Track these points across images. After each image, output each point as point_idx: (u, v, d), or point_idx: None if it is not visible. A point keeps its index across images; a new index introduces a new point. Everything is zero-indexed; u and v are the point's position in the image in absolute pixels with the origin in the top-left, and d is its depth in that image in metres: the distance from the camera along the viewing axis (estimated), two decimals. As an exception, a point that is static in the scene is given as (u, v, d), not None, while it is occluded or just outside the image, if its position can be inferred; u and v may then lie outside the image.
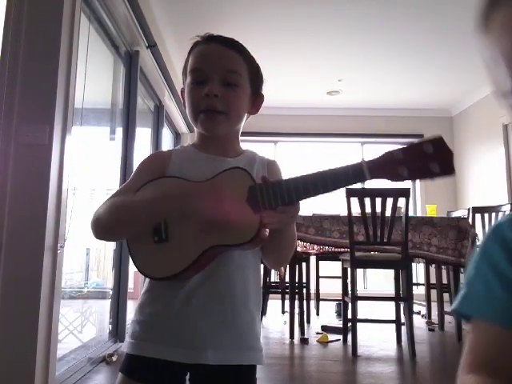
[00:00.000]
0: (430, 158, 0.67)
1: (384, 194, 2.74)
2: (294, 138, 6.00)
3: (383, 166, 0.69)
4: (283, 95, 5.50)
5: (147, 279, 0.84)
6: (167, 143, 5.10)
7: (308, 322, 3.68)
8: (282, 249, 0.86)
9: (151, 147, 4.15)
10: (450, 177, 0.68)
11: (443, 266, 3.60)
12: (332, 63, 4.58)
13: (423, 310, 4.15)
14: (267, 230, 0.77)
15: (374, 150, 6.10)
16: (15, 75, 1.78)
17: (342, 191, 2.82)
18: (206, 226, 0.76)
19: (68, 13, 1.93)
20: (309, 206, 5.01)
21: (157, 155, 0.96)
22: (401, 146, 0.69)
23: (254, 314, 0.86)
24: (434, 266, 3.79)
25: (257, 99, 0.95)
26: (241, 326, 0.82)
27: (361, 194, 2.80)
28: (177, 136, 5.48)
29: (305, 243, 3.30)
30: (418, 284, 5.12)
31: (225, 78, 0.86)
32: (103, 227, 0.82)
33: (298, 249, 3.30)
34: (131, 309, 3.71)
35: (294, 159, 6.06)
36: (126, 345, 0.82)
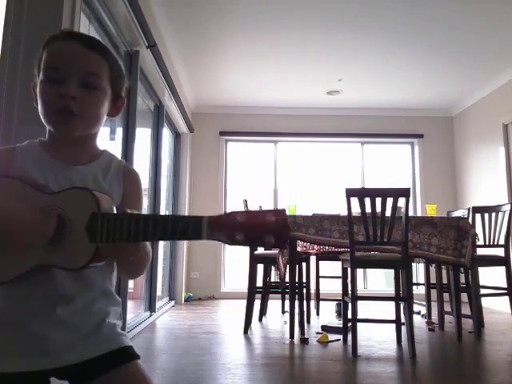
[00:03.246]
0: (268, 228, 0.67)
1: (384, 193, 2.74)
2: (294, 137, 6.00)
3: (222, 229, 0.68)
4: (283, 95, 5.50)
5: None
6: (167, 143, 5.10)
7: (308, 321, 3.68)
8: (132, 271, 0.89)
9: (151, 147, 4.15)
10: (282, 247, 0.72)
11: (443, 266, 3.60)
12: (332, 63, 4.58)
13: (423, 310, 4.15)
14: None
15: (374, 150, 6.10)
16: (15, 75, 1.78)
17: (341, 191, 2.82)
18: (41, 242, 0.75)
19: (68, 13, 1.93)
20: (309, 206, 5.02)
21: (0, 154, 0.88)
22: (244, 210, 0.70)
23: (103, 313, 0.87)
24: (433, 265, 3.79)
25: (117, 102, 0.92)
26: (87, 328, 0.84)
27: (361, 194, 2.80)
28: (177, 136, 5.48)
29: (305, 243, 3.30)
30: (418, 284, 5.13)
31: (83, 80, 0.82)
32: None
33: (298, 249, 3.30)
34: (131, 309, 3.72)
35: (293, 159, 6.06)
36: None
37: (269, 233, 0.68)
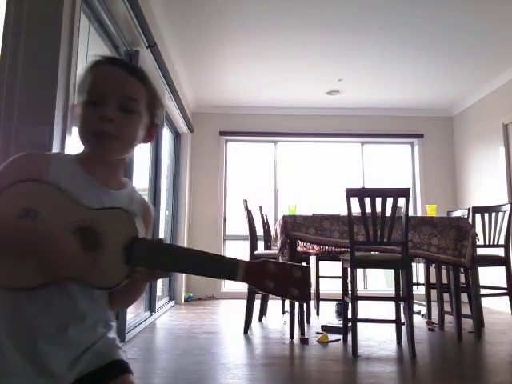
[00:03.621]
0: (294, 282, 0.75)
1: (384, 194, 2.74)
2: (294, 137, 6.00)
3: (256, 275, 0.75)
4: (283, 95, 5.50)
5: None
6: (167, 143, 5.10)
7: (308, 321, 3.68)
8: (129, 302, 0.95)
9: (151, 147, 4.15)
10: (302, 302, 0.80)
11: (443, 266, 3.60)
12: (332, 63, 4.58)
13: (423, 310, 4.15)
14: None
15: (374, 150, 6.10)
16: (15, 75, 1.78)
17: (341, 191, 2.82)
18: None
19: (68, 13, 1.93)
20: (309, 206, 5.01)
21: (35, 159, 0.85)
22: (275, 261, 0.76)
23: (104, 330, 0.88)
24: (433, 265, 3.79)
25: (151, 129, 0.94)
26: (88, 343, 0.84)
27: (361, 194, 2.80)
28: (177, 136, 5.48)
29: (305, 243, 3.29)
30: (418, 284, 5.13)
31: (122, 104, 0.85)
32: None
33: (298, 249, 3.30)
34: (131, 309, 3.71)
35: (294, 159, 6.06)
36: None
37: (295, 286, 0.75)
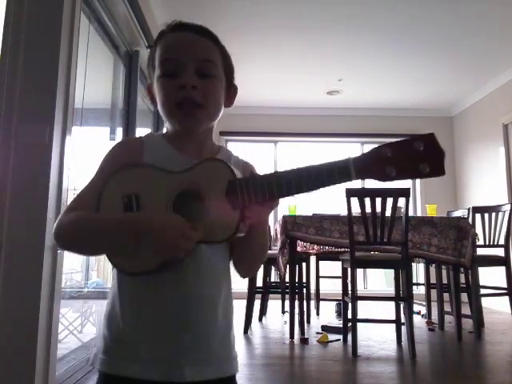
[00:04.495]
0: (420, 157, 0.64)
1: (384, 193, 2.74)
2: (294, 137, 6.00)
3: (371, 166, 0.66)
4: (283, 95, 5.50)
5: (113, 291, 0.79)
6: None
7: (308, 321, 3.68)
8: (253, 257, 0.83)
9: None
10: (439, 176, 0.67)
11: (443, 266, 3.60)
12: (332, 63, 4.58)
13: (423, 310, 4.15)
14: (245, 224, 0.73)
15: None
16: (15, 75, 1.78)
17: (341, 191, 2.82)
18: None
19: (68, 13, 1.93)
20: (309, 206, 5.01)
21: (129, 146, 0.83)
22: (389, 142, 0.65)
23: (229, 323, 0.80)
24: (433, 265, 3.79)
25: (230, 91, 0.87)
26: (214, 338, 0.76)
27: (361, 194, 2.79)
28: (177, 136, 5.47)
29: (305, 243, 3.30)
30: (418, 284, 5.13)
31: (200, 68, 0.78)
32: (68, 248, 0.78)
33: (298, 249, 3.30)
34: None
35: (294, 159, 6.06)
36: (99, 361, 0.75)
37: (423, 160, 0.64)
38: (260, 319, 3.88)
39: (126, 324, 0.74)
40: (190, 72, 0.77)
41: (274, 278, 4.13)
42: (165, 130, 0.87)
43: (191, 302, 0.74)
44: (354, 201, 2.79)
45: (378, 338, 3.15)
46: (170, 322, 0.73)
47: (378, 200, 2.73)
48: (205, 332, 0.75)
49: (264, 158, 6.00)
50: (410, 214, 3.27)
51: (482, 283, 3.37)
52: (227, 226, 0.70)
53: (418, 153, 0.65)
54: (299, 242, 3.22)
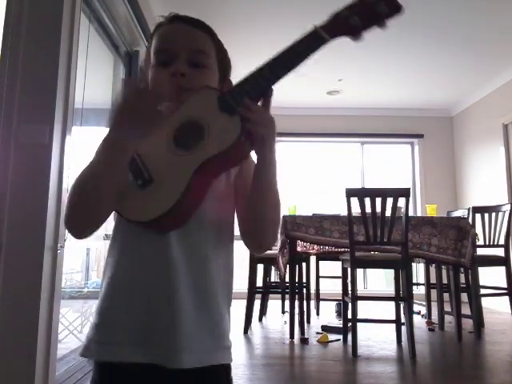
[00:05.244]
0: (377, 0, 0.72)
1: (384, 194, 2.74)
2: (294, 137, 5.99)
3: (335, 22, 0.73)
4: (283, 95, 5.50)
5: (105, 274, 0.79)
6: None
7: (308, 321, 3.68)
8: (264, 218, 0.76)
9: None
10: (399, 15, 0.75)
11: (443, 266, 3.60)
12: (332, 63, 4.58)
13: (423, 310, 4.15)
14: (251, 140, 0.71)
15: (374, 150, 6.10)
16: (15, 75, 1.78)
17: (341, 191, 2.82)
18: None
19: (68, 13, 1.93)
20: (309, 206, 5.00)
21: None
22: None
23: (224, 309, 0.78)
24: (433, 265, 3.79)
25: (224, 85, 0.87)
26: (212, 323, 0.75)
27: (361, 194, 2.80)
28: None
29: (305, 243, 3.30)
30: (418, 284, 5.13)
31: (192, 58, 0.81)
32: (80, 216, 0.74)
33: (298, 249, 3.30)
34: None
35: (294, 159, 6.06)
36: (89, 351, 0.73)
37: (380, 1, 0.72)
38: (260, 319, 3.88)
39: (119, 306, 0.73)
40: (182, 61, 0.80)
41: (274, 277, 4.13)
42: None
43: (175, 280, 0.72)
44: (354, 201, 2.79)
45: (377, 338, 3.15)
46: (152, 300, 0.72)
47: (378, 200, 2.73)
48: (203, 317, 0.74)
49: (264, 158, 5.99)
50: (410, 214, 3.27)
51: (482, 283, 3.37)
52: (232, 130, 0.70)
53: None
54: (299, 242, 3.22)
